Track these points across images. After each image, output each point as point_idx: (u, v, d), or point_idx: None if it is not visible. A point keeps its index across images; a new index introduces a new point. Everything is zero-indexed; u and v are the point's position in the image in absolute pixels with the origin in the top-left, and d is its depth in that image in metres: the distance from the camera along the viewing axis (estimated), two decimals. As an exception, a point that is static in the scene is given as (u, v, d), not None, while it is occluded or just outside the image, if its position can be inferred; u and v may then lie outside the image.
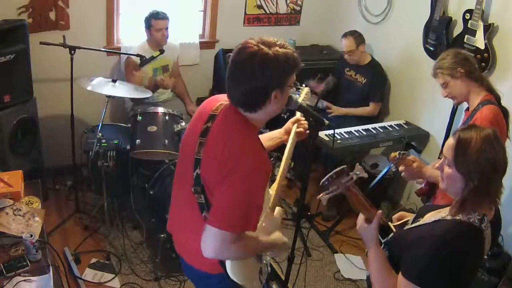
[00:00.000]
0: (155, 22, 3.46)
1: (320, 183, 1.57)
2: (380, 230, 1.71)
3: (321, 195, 1.59)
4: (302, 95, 2.09)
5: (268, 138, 2.07)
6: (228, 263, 1.71)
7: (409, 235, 1.56)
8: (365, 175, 1.57)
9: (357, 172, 1.55)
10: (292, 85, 1.64)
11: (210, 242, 1.58)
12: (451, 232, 1.44)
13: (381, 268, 1.57)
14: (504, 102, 2.45)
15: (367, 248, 1.64)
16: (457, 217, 1.47)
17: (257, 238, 1.72)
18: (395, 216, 1.89)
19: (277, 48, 1.53)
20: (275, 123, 3.92)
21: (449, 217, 1.50)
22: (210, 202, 1.62)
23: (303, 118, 2.03)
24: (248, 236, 1.65)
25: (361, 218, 1.66)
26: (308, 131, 2.01)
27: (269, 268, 1.94)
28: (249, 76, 1.52)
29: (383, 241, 1.69)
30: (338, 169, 1.55)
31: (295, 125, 2.05)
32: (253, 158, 1.57)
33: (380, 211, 1.64)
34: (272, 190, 1.93)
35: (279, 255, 1.88)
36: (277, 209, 1.98)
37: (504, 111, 2.40)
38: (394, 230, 1.72)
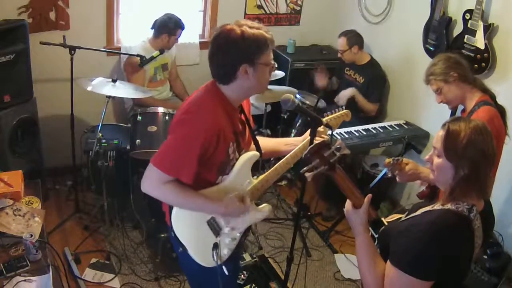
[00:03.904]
0: (180, 32, 3.54)
1: (303, 156, 1.58)
2: (373, 225, 1.71)
3: (304, 169, 1.57)
4: (337, 114, 2.17)
5: (284, 142, 2.14)
6: (173, 214, 1.86)
7: (399, 226, 1.57)
8: (347, 151, 1.56)
9: (337, 146, 1.54)
10: (271, 65, 1.76)
11: (146, 176, 1.76)
12: (439, 219, 1.45)
13: (369, 255, 1.56)
14: (504, 102, 2.45)
15: (355, 234, 1.62)
16: (446, 207, 1.49)
17: (197, 192, 1.80)
18: (386, 219, 1.88)
19: (247, 27, 1.69)
20: (275, 122, 3.97)
21: (438, 207, 1.51)
22: None
23: (324, 132, 2.05)
24: (185, 186, 1.75)
25: (349, 203, 1.65)
26: (300, 125, 2.05)
27: (226, 251, 1.92)
28: (216, 50, 1.72)
29: (376, 236, 1.69)
30: (319, 141, 1.55)
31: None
32: (199, 113, 1.73)
33: (369, 195, 1.62)
34: (257, 180, 1.93)
35: (231, 214, 1.87)
36: (266, 205, 1.98)
37: (501, 110, 2.39)
38: (386, 223, 1.72)
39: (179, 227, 1.88)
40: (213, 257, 1.84)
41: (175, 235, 1.88)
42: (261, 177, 1.95)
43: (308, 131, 2.07)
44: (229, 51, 1.70)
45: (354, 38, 3.75)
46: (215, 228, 1.89)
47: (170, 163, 1.72)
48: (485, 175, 1.49)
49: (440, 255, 1.42)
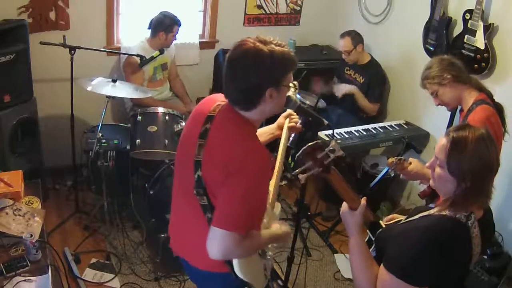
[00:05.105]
0: (177, 28, 3.53)
1: (295, 157, 1.54)
2: (370, 227, 1.70)
3: (297, 171, 1.55)
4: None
5: (260, 133, 2.05)
6: (235, 263, 1.71)
7: (395, 229, 1.55)
8: (341, 153, 1.52)
9: (331, 148, 1.49)
10: (290, 85, 1.64)
11: (217, 243, 1.56)
12: (435, 225, 1.43)
13: (363, 258, 1.55)
14: (504, 102, 2.45)
15: (349, 235, 1.61)
16: (443, 213, 1.46)
17: (260, 234, 1.71)
18: (386, 218, 1.88)
19: (273, 46, 1.53)
20: (273, 120, 3.96)
21: (435, 213, 1.49)
22: (213, 204, 1.62)
23: (293, 113, 2.01)
24: (253, 234, 1.65)
25: (345, 204, 1.64)
26: (300, 124, 2.01)
27: (272, 262, 1.95)
28: (243, 72, 1.53)
29: (373, 239, 1.69)
30: (312, 143, 1.50)
31: (287, 119, 2.03)
32: (256, 157, 1.56)
33: (364, 198, 1.62)
34: (271, 187, 1.93)
35: (283, 245, 1.89)
36: (277, 204, 1.99)
37: (499, 108, 2.40)
38: (383, 226, 1.71)
39: (242, 269, 1.73)
40: (266, 275, 1.85)
41: (236, 276, 1.74)
42: (272, 182, 1.94)
43: (281, 117, 2.05)
44: (257, 73, 1.51)
45: (358, 37, 3.76)
46: (264, 251, 1.88)
47: (244, 221, 1.56)
48: (488, 187, 1.46)
49: (434, 261, 1.39)
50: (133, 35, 3.72)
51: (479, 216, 1.49)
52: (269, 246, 1.95)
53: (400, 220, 1.71)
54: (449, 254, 1.40)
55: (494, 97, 2.43)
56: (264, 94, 1.55)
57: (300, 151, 1.51)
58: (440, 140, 1.50)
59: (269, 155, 1.66)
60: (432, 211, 1.52)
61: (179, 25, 3.54)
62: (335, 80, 4.09)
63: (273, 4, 4.25)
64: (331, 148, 1.50)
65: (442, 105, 2.47)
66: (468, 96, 2.38)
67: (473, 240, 1.45)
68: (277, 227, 1.84)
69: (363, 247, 1.58)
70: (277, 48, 1.53)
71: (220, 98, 1.71)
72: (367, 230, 1.72)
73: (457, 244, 1.43)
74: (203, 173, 1.61)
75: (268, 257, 1.92)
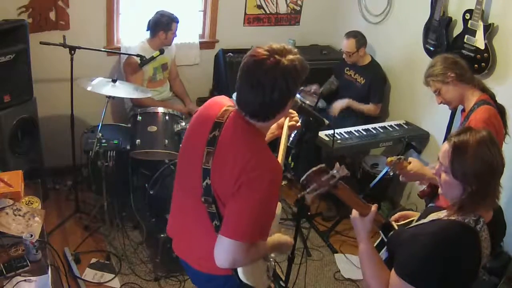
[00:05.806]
0: (175, 25, 3.53)
1: (300, 181, 1.53)
2: (383, 228, 1.70)
3: (303, 192, 1.55)
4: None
5: None
6: (239, 269, 1.71)
7: (405, 233, 1.56)
8: (346, 173, 1.50)
9: (335, 171, 1.49)
10: None
11: (226, 252, 1.55)
12: (444, 230, 1.44)
13: (373, 264, 1.55)
14: (504, 102, 2.45)
15: (359, 241, 1.61)
16: (452, 217, 1.47)
17: (265, 242, 1.71)
18: (393, 217, 1.88)
19: (290, 56, 1.50)
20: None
21: (445, 217, 1.49)
22: (221, 212, 1.61)
23: (294, 111, 2.00)
24: (259, 242, 1.65)
25: (355, 210, 1.64)
26: (300, 124, 2.00)
27: (273, 263, 1.95)
28: (272, 88, 1.48)
29: (386, 240, 1.69)
30: (316, 167, 1.49)
31: (287, 118, 2.00)
32: (269, 170, 1.55)
33: (375, 205, 1.62)
34: None
35: (283, 253, 1.89)
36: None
37: (501, 109, 2.40)
38: (396, 228, 1.71)
39: (246, 274, 1.73)
40: (269, 276, 1.86)
41: (240, 281, 1.74)
42: None
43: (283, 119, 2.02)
44: (287, 88, 1.49)
45: (362, 40, 3.76)
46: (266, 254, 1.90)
47: (254, 232, 1.57)
48: (494, 189, 1.46)
49: (443, 266, 1.40)
50: (133, 35, 3.73)
51: (488, 218, 1.49)
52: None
53: (412, 221, 1.71)
54: (456, 258, 1.41)
55: (496, 99, 2.43)
56: (286, 106, 1.55)
57: (304, 176, 1.50)
58: (443, 146, 1.51)
59: (280, 164, 1.66)
60: (441, 215, 1.53)
61: (177, 21, 3.54)
62: (332, 80, 4.08)
63: (273, 4, 4.25)
64: (335, 171, 1.50)
65: (444, 104, 2.47)
66: (470, 96, 2.38)
67: (482, 243, 1.46)
68: (280, 236, 1.84)
69: (373, 253, 1.58)
70: (293, 57, 1.50)
71: (226, 102, 1.67)
72: (380, 231, 1.72)
73: (465, 248, 1.43)
74: (212, 181, 1.58)
75: (271, 259, 1.92)
